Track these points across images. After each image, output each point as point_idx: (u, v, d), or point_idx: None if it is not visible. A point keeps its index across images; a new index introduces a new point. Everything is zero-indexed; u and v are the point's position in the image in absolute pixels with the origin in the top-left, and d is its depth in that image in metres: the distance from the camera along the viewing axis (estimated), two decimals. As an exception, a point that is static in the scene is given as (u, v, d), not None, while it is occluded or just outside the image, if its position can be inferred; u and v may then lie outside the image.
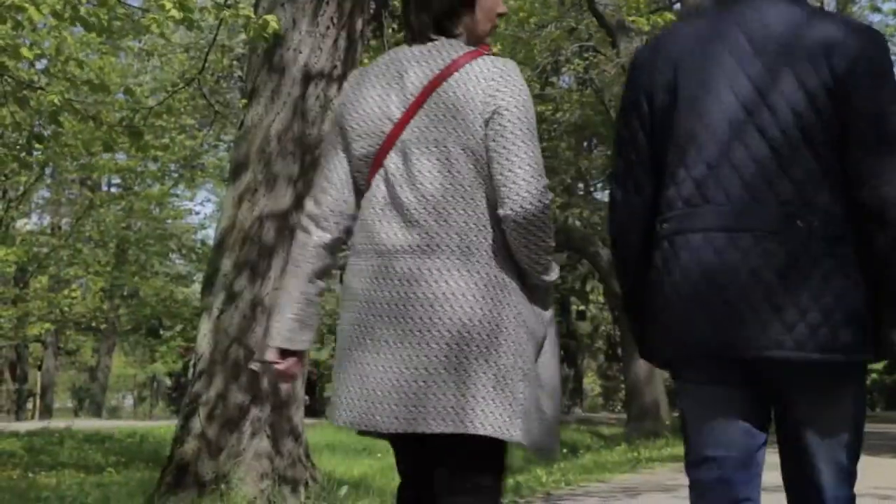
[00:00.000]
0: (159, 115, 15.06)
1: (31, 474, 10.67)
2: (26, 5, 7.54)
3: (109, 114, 13.61)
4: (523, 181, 2.66)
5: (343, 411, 2.75)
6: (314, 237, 2.87)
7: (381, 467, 10.67)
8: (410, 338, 2.65)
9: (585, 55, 23.62)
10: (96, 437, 14.91)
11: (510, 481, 9.70)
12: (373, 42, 19.67)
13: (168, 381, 51.12)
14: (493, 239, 2.70)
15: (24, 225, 31.31)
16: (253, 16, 7.42)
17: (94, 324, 34.11)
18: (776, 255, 2.61)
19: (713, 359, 2.69)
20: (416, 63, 2.77)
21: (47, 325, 27.76)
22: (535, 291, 2.81)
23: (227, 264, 7.62)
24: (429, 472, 2.76)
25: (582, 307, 41.87)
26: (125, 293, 34.43)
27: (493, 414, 2.62)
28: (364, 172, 2.82)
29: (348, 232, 2.88)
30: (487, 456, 2.72)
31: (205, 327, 7.62)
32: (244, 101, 8.16)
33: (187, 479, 7.26)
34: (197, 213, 55.98)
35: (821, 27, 2.68)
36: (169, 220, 33.74)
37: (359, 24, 8.05)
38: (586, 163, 34.09)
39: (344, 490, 7.83)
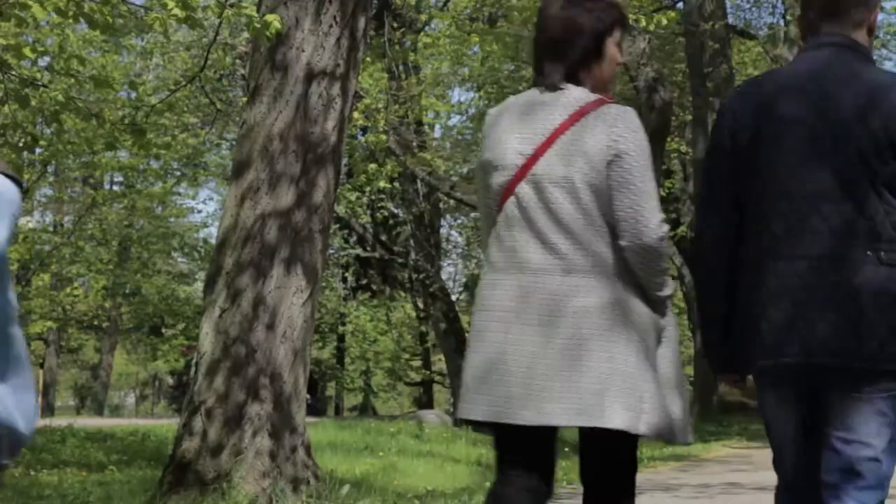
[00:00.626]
0: (161, 112, 15.07)
1: (32, 472, 10.67)
2: (30, 3, 7.54)
3: (112, 111, 13.62)
4: (642, 217, 3.08)
5: (482, 406, 3.12)
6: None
7: (383, 466, 10.67)
8: (553, 343, 3.05)
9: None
10: (98, 436, 14.90)
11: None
12: (375, 40, 19.68)
13: (170, 380, 51.16)
14: (617, 260, 3.12)
15: (27, 223, 31.32)
16: (255, 15, 7.41)
17: (96, 322, 34.11)
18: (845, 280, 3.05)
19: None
20: (547, 107, 3.17)
21: (49, 323, 27.78)
22: (653, 302, 3.21)
23: (229, 263, 7.62)
24: (549, 465, 3.23)
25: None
26: (127, 291, 34.44)
27: (622, 410, 3.02)
28: (496, 199, 3.23)
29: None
30: (621, 448, 3.19)
31: (207, 326, 7.61)
32: (246, 99, 8.16)
33: (189, 478, 7.26)
34: (199, 212, 56.00)
35: (876, 79, 3.15)
36: (171, 219, 33.77)
37: (361, 22, 8.05)
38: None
39: (346, 489, 7.82)
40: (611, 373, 3.03)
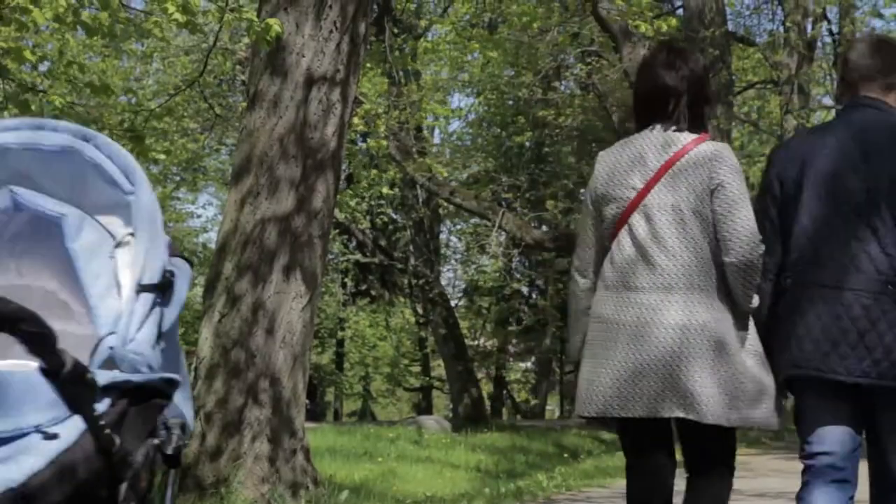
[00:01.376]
0: (160, 117, 15.04)
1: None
2: (31, 7, 7.54)
3: (111, 116, 13.60)
4: (743, 237, 3.67)
5: (596, 405, 3.75)
6: (580, 284, 3.99)
7: (382, 472, 10.65)
8: (652, 349, 3.66)
9: (588, 60, 23.61)
10: (97, 440, 14.88)
11: (511, 486, 9.69)
12: (375, 46, 19.68)
13: (169, 385, 51.11)
14: (714, 278, 3.71)
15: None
16: (256, 19, 7.41)
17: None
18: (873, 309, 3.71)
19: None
20: (655, 147, 3.78)
21: (48, 328, 27.73)
22: (739, 314, 3.78)
23: (228, 268, 7.62)
24: (664, 453, 3.85)
25: (583, 312, 41.84)
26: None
27: (717, 405, 3.63)
28: (610, 229, 3.83)
29: (598, 273, 3.89)
30: (720, 438, 3.82)
31: (206, 330, 7.61)
32: (245, 104, 8.16)
33: (188, 483, 7.26)
34: (198, 216, 55.89)
35: None
36: (171, 224, 33.73)
37: (362, 27, 8.05)
38: (588, 168, 34.10)
39: (345, 494, 7.82)
40: (721, 376, 3.65)
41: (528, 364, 43.47)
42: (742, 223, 3.67)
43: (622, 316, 3.72)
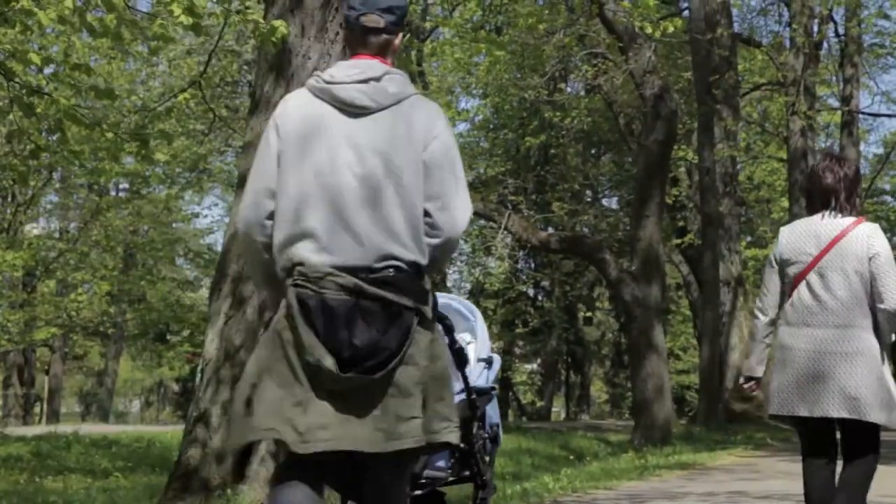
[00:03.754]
0: (160, 116, 15.02)
1: (37, 479, 10.68)
2: (36, 9, 7.55)
3: (117, 117, 13.60)
4: (893, 291, 5.15)
5: (784, 406, 5.29)
6: (763, 321, 5.46)
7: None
8: (825, 368, 5.17)
9: (594, 62, 23.60)
10: (103, 442, 14.89)
11: (516, 488, 9.68)
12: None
13: (175, 387, 51.16)
14: (869, 319, 5.21)
15: (32, 229, 31.35)
16: (262, 21, 7.40)
17: (101, 329, 34.12)
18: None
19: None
20: (826, 227, 5.27)
21: (53, 330, 27.76)
22: (885, 344, 5.29)
23: (234, 270, 7.62)
24: (826, 446, 5.32)
25: (589, 313, 41.86)
26: (132, 298, 34.45)
27: (875, 408, 5.10)
28: (791, 283, 5.35)
29: (776, 313, 5.43)
30: (872, 435, 5.23)
31: (212, 332, 7.61)
32: (251, 106, 8.15)
33: (194, 484, 7.26)
34: (205, 217, 55.99)
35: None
36: (176, 224, 33.78)
37: (367, 30, 8.04)
38: (594, 170, 34.04)
39: (350, 496, 7.80)
40: (873, 387, 5.11)
41: (534, 366, 43.46)
42: (892, 281, 5.17)
43: (802, 345, 5.25)
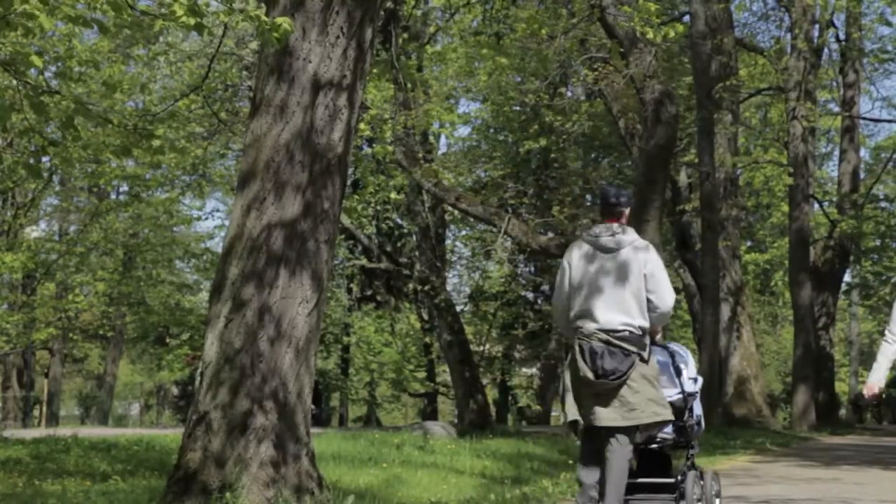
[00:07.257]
0: (163, 121, 15.01)
1: (36, 482, 10.65)
2: (37, 12, 7.55)
3: (119, 120, 13.57)
4: None
5: None
6: (892, 346, 6.89)
7: (387, 477, 10.64)
8: None
9: (595, 66, 23.61)
10: (102, 445, 14.86)
11: (516, 492, 9.68)
12: (382, 53, 19.68)
13: (175, 390, 51.12)
14: None
15: (32, 232, 31.32)
16: (265, 18, 7.38)
17: (101, 331, 34.11)
18: None
19: None
20: None
21: (51, 330, 27.73)
22: None
23: (234, 272, 7.62)
24: None
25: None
26: (132, 301, 34.44)
27: None
28: None
29: None
30: None
31: (212, 335, 7.61)
32: (251, 109, 8.14)
33: (193, 488, 7.25)
34: (205, 219, 55.93)
35: None
36: (176, 228, 33.76)
37: (368, 33, 8.05)
38: (594, 174, 34.05)
39: (350, 500, 7.81)
40: None
41: (534, 370, 43.44)
42: None
43: None
